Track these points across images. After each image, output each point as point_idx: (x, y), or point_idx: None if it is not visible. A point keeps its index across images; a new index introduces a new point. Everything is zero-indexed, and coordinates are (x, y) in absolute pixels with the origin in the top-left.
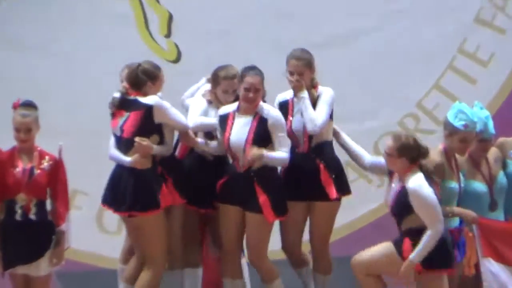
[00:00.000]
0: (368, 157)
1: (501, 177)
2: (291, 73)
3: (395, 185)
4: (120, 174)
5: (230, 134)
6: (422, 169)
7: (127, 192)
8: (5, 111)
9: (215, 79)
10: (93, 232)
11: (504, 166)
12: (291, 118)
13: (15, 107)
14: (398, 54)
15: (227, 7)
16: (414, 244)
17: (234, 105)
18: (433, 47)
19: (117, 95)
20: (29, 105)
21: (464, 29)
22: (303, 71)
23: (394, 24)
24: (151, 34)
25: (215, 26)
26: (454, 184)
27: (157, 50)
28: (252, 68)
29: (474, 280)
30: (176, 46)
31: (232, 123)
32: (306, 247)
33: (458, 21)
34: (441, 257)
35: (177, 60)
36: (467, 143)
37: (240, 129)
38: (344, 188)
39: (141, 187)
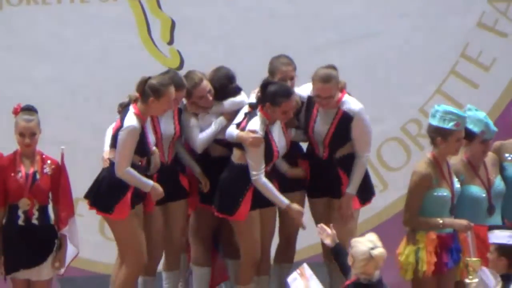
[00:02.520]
0: None
1: (499, 182)
2: (318, 96)
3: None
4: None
5: (277, 147)
6: None
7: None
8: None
9: (187, 91)
10: (96, 239)
11: (501, 169)
12: (313, 123)
13: (16, 112)
14: (400, 59)
15: (229, 11)
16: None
17: (258, 121)
18: (435, 52)
19: (126, 100)
20: (31, 109)
21: (467, 34)
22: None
23: (396, 28)
24: (154, 41)
25: (217, 32)
26: (446, 192)
27: (160, 58)
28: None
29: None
30: (179, 53)
31: (271, 135)
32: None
33: (460, 26)
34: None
35: (179, 67)
36: (461, 141)
37: (280, 137)
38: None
39: (107, 188)
